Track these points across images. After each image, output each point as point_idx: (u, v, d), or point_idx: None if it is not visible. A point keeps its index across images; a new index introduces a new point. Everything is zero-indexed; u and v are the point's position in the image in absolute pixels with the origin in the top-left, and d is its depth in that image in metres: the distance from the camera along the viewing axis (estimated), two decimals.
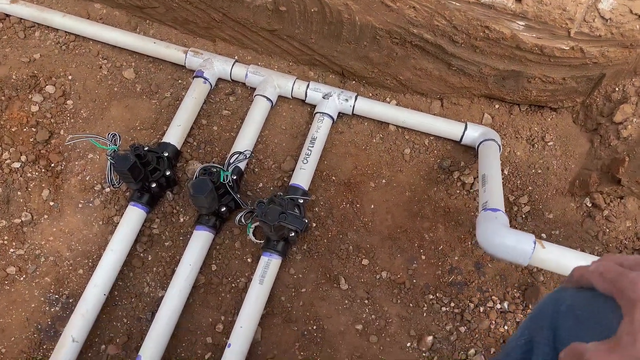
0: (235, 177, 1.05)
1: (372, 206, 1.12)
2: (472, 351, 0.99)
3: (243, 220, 0.99)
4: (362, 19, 1.02)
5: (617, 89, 1.01)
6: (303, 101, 1.21)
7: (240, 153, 1.06)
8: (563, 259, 0.79)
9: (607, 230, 1.02)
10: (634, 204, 1.01)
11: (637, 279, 0.44)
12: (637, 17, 0.88)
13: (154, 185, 1.04)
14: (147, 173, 1.02)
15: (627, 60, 0.96)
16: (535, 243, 0.79)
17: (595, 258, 0.81)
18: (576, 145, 1.11)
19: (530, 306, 1.00)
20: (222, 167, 1.02)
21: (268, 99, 1.17)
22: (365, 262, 1.07)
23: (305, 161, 1.10)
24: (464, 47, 1.01)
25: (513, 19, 0.93)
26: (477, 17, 0.94)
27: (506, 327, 0.99)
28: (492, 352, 0.97)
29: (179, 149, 1.13)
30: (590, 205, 1.05)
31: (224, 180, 1.00)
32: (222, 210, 1.03)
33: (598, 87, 1.03)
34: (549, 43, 0.95)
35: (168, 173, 1.05)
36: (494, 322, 0.99)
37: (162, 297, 1.00)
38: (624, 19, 0.89)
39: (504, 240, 0.79)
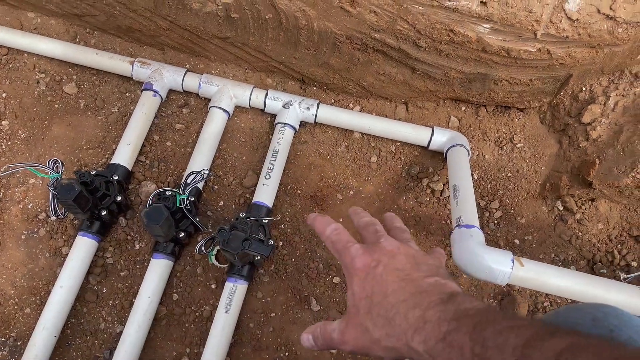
0: (192, 199, 0.98)
1: (341, 220, 1.07)
2: None
3: (204, 249, 0.92)
4: (321, 25, 0.95)
5: (584, 88, 0.99)
6: (262, 110, 1.14)
7: (196, 173, 0.98)
8: (542, 277, 0.76)
9: (580, 234, 1.01)
10: (605, 206, 1.00)
11: (355, 255, 0.49)
12: (605, 17, 0.85)
13: (104, 212, 0.96)
14: (95, 200, 0.94)
15: (594, 61, 0.93)
16: (513, 261, 0.76)
17: (575, 274, 0.79)
18: (545, 146, 1.09)
19: None
20: (177, 190, 0.94)
21: (224, 110, 1.10)
22: (336, 280, 1.02)
23: (267, 176, 1.04)
24: (429, 51, 0.97)
25: (478, 22, 0.88)
26: (441, 21, 0.89)
27: None
28: None
29: (130, 169, 1.04)
30: (562, 208, 1.03)
31: (180, 205, 0.93)
32: (181, 236, 0.96)
33: (565, 87, 1.01)
34: (515, 45, 0.91)
35: (119, 198, 0.97)
36: None
37: (121, 332, 0.93)
38: (591, 19, 0.85)
39: (482, 260, 0.75)
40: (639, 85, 0.93)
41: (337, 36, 0.97)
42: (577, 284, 0.76)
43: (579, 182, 0.99)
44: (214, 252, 0.95)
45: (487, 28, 0.90)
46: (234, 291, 0.95)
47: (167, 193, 0.95)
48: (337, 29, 0.96)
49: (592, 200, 1.00)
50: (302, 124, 1.15)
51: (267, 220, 0.98)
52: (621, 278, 0.77)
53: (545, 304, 0.97)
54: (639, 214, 0.99)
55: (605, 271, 0.98)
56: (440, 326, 0.40)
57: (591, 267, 0.99)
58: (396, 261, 0.48)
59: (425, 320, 0.41)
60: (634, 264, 0.95)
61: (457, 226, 0.83)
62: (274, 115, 1.14)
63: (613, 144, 0.94)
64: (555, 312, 0.60)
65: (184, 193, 0.94)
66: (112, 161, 1.03)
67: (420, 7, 0.88)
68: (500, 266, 0.75)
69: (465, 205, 0.86)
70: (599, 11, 0.84)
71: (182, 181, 0.97)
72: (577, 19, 0.85)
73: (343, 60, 1.04)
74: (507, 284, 0.78)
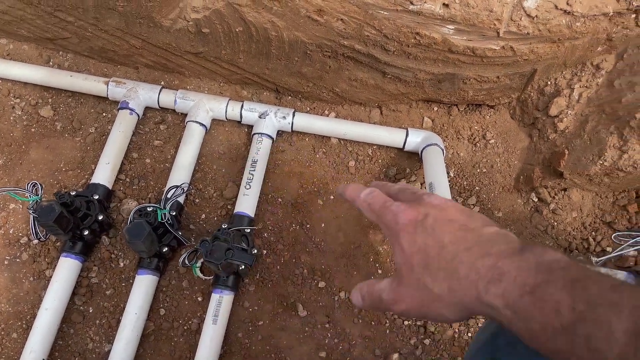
0: (174, 214, 0.98)
1: (323, 225, 1.08)
2: None
3: (187, 262, 0.93)
4: (290, 35, 0.97)
5: (549, 82, 1.02)
6: (239, 122, 1.16)
7: (176, 187, 0.99)
8: None
9: (555, 223, 1.03)
10: (577, 194, 1.02)
11: (398, 210, 0.45)
12: (563, 12, 0.88)
13: (86, 232, 0.96)
14: (77, 221, 0.94)
15: (557, 55, 0.96)
16: None
17: None
18: (516, 140, 1.12)
19: None
20: (158, 205, 0.95)
21: (201, 124, 1.11)
22: (321, 284, 1.03)
23: (247, 186, 1.05)
24: (397, 55, 0.99)
25: (442, 24, 0.91)
26: (406, 25, 0.92)
27: (470, 334, 0.98)
28: None
29: (110, 188, 1.05)
30: (536, 200, 1.06)
31: (162, 219, 0.94)
32: (164, 250, 0.96)
33: (531, 82, 1.04)
34: (480, 44, 0.94)
35: (100, 217, 0.97)
36: (457, 330, 0.98)
37: (109, 351, 0.93)
38: (549, 15, 0.89)
39: None
40: (601, 76, 0.96)
41: (307, 45, 0.99)
42: None
43: (551, 173, 1.02)
44: (198, 264, 0.96)
45: (452, 29, 0.92)
46: (221, 302, 0.95)
47: (149, 209, 0.95)
48: (307, 38, 0.98)
49: (565, 190, 1.03)
50: (280, 133, 1.16)
51: (249, 230, 0.99)
52: (593, 262, 0.79)
53: None
54: (610, 201, 1.02)
55: (582, 258, 1.01)
56: (525, 277, 0.35)
57: (568, 255, 1.01)
58: (447, 213, 0.44)
59: (502, 271, 0.36)
60: (609, 249, 0.98)
61: None
62: (251, 126, 1.15)
63: (580, 134, 0.97)
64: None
65: (165, 208, 0.95)
66: (92, 181, 1.04)
67: (385, 12, 0.90)
68: None
69: None
70: (556, 7, 0.88)
71: (163, 196, 0.98)
72: (536, 16, 0.88)
73: (315, 68, 1.06)
74: None
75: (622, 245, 0.73)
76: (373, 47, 0.98)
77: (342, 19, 0.92)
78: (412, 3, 0.86)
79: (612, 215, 1.01)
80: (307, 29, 0.96)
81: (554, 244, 1.02)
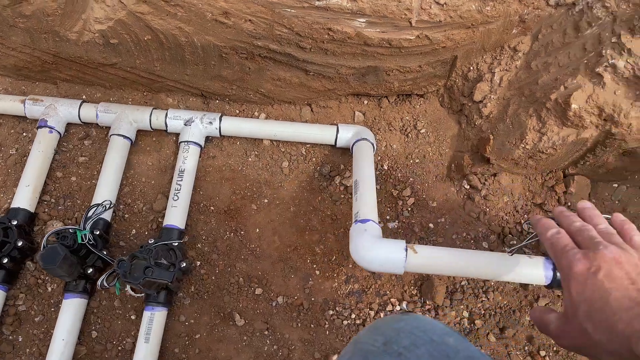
0: (98, 233, 0.95)
1: (258, 230, 1.06)
2: None
3: (106, 284, 0.90)
4: (202, 40, 0.95)
5: (471, 68, 1.01)
6: (166, 131, 1.12)
7: (97, 205, 0.96)
8: (436, 260, 0.77)
9: (488, 209, 1.03)
10: (507, 178, 1.02)
11: (573, 259, 0.51)
12: None
13: (5, 260, 0.92)
14: None
15: (473, 40, 0.95)
16: (406, 250, 0.77)
17: (465, 252, 0.80)
18: (447, 128, 1.11)
19: (427, 301, 0.98)
20: (77, 227, 0.92)
21: (125, 137, 1.08)
22: (258, 291, 1.01)
23: (175, 197, 1.03)
24: (314, 52, 0.97)
25: (353, 18, 0.89)
26: (316, 21, 0.89)
27: None
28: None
29: (32, 211, 1.01)
30: (468, 187, 1.05)
31: (82, 241, 0.91)
32: (89, 272, 0.93)
33: (454, 69, 1.03)
34: (394, 35, 0.92)
35: (20, 243, 0.94)
36: None
37: None
38: (458, 2, 0.87)
39: (376, 253, 0.76)
40: (519, 59, 0.95)
41: (221, 48, 0.96)
42: (468, 262, 0.77)
43: (480, 160, 1.01)
44: (119, 284, 0.93)
45: (363, 22, 0.90)
46: (152, 319, 0.93)
47: (70, 231, 0.92)
48: (219, 42, 0.95)
49: (495, 175, 1.02)
50: (209, 138, 1.13)
51: (177, 243, 0.96)
52: (507, 251, 0.78)
53: (462, 282, 0.99)
54: (539, 182, 1.02)
55: (515, 242, 1.00)
56: None
57: (502, 240, 1.01)
58: (618, 269, 0.49)
59: None
60: None
61: (354, 222, 0.83)
62: (179, 135, 1.12)
63: (503, 119, 0.96)
64: (362, 333, 0.58)
65: (84, 228, 0.92)
66: (12, 205, 1.00)
67: (292, 10, 0.88)
68: (394, 256, 0.76)
69: (362, 200, 0.86)
70: None
71: (83, 216, 0.94)
72: (445, 3, 0.86)
73: (234, 70, 1.03)
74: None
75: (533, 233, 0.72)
76: (288, 46, 0.96)
77: (250, 20, 0.90)
78: None
79: (542, 196, 1.01)
80: (217, 33, 0.93)
81: (487, 230, 1.02)
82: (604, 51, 0.79)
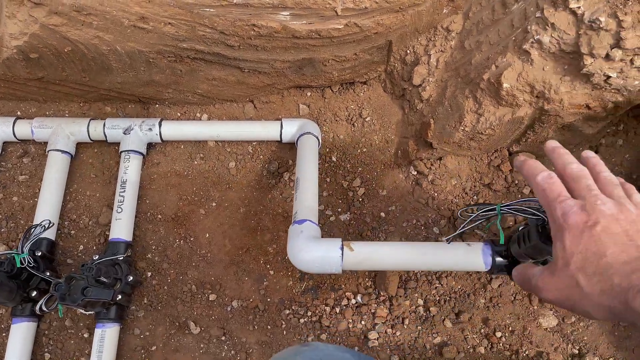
0: (40, 254, 0.93)
1: (207, 235, 1.04)
2: None
3: (45, 308, 0.88)
4: (124, 47, 0.91)
5: (408, 51, 0.99)
6: (107, 141, 1.09)
7: (36, 226, 0.93)
8: (373, 256, 0.76)
9: (436, 194, 1.01)
10: (453, 161, 1.00)
11: (569, 210, 0.48)
12: None
13: None
14: None
15: (405, 23, 0.92)
16: (342, 249, 0.75)
17: (401, 245, 0.79)
18: (391, 115, 1.09)
19: (381, 292, 0.97)
20: (14, 250, 0.90)
21: (63, 151, 1.05)
22: (212, 297, 1.00)
23: (119, 209, 1.00)
24: (244, 49, 0.94)
25: (276, 12, 0.86)
26: (239, 18, 0.86)
27: (363, 323, 0.96)
28: (356, 350, 0.94)
29: None
30: (415, 173, 1.03)
31: (22, 264, 0.89)
32: (34, 294, 0.91)
33: (391, 54, 1.00)
34: (322, 26, 0.89)
35: None
36: (350, 320, 0.96)
37: None
38: None
39: (311, 254, 0.75)
40: (453, 39, 0.92)
41: (147, 53, 0.93)
42: (406, 255, 0.76)
43: (424, 144, 0.99)
44: (60, 306, 0.91)
45: (287, 15, 0.87)
46: (104, 336, 0.92)
47: (8, 256, 0.90)
48: (143, 47, 0.91)
49: (440, 158, 1.01)
50: (152, 145, 1.11)
51: (122, 257, 0.94)
52: (444, 240, 0.77)
53: (416, 271, 0.98)
54: (486, 162, 1.00)
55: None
56: None
57: (453, 224, 1.00)
58: (616, 225, 0.47)
59: None
60: None
61: (292, 223, 0.82)
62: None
63: (442, 102, 0.94)
64: None
65: (23, 252, 0.90)
66: None
67: (212, 10, 0.84)
68: (330, 256, 0.75)
69: (301, 199, 0.85)
70: None
71: (20, 238, 0.92)
72: None
73: (166, 74, 1.00)
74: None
75: (466, 220, 0.71)
76: (215, 45, 0.92)
77: (170, 23, 0.86)
78: None
79: (489, 177, 0.99)
80: (138, 38, 0.89)
81: (436, 215, 1.01)
82: (529, 27, 0.76)
